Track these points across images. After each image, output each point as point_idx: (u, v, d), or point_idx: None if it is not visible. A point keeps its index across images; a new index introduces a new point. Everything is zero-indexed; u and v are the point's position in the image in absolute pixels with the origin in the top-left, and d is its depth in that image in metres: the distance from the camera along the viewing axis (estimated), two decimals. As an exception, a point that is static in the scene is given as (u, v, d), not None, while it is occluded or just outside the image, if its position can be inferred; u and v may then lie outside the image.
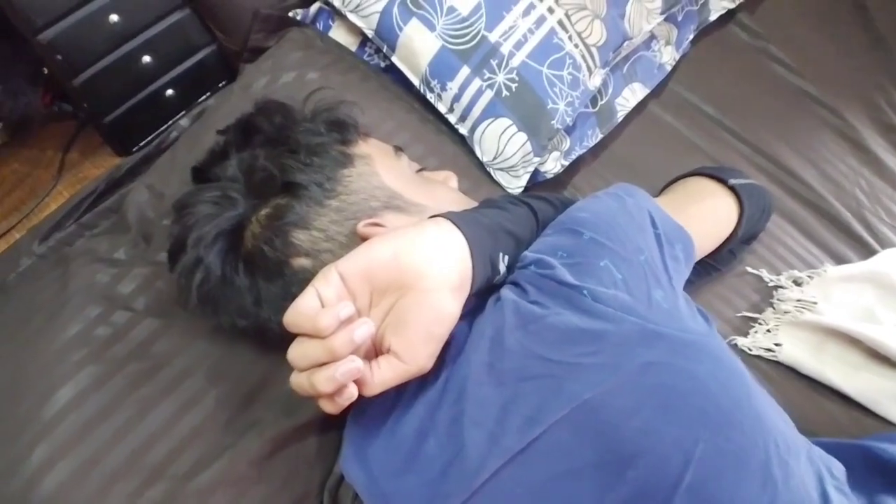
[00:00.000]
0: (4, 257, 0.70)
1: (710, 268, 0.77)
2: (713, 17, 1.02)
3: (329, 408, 0.42)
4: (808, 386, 0.76)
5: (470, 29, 0.72)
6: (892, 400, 0.75)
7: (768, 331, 0.78)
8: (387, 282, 0.42)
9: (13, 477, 0.48)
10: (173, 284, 0.53)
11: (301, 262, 0.50)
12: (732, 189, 0.68)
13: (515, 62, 0.72)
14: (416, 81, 0.75)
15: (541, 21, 0.73)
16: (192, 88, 0.88)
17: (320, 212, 0.50)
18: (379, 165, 0.55)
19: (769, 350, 0.76)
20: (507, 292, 0.48)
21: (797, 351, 0.76)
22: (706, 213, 0.66)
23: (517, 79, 0.72)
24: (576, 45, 0.75)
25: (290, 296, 0.42)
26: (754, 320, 0.79)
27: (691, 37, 0.99)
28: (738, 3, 1.05)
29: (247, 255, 0.50)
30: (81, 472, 0.49)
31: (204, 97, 0.90)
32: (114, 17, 0.77)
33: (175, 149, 0.72)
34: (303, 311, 0.40)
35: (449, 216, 0.46)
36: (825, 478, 0.50)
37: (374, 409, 0.50)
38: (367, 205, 0.52)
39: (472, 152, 0.75)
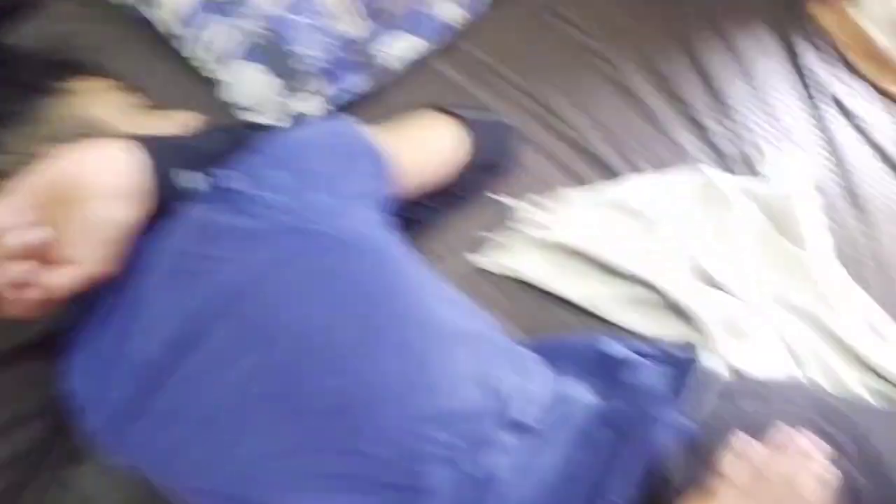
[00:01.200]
0: None
1: (458, 197, 0.87)
2: (503, -21, 1.12)
3: (15, 307, 0.50)
4: (540, 296, 0.87)
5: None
6: (615, 303, 0.87)
7: (509, 252, 0.89)
8: (58, 195, 0.49)
9: None
10: None
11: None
12: (464, 120, 0.77)
13: (266, 9, 0.80)
14: (169, 28, 0.82)
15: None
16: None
17: (16, 137, 0.57)
18: (90, 99, 0.63)
19: (502, 266, 0.87)
20: (193, 204, 0.56)
21: (527, 264, 0.87)
22: (427, 138, 0.76)
23: (267, 25, 0.80)
24: (329, -3, 0.84)
25: None
26: (492, 240, 0.90)
27: (484, -1, 1.09)
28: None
29: None
30: None
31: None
32: None
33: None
34: None
35: (133, 137, 0.54)
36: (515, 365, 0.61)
37: (87, 327, 0.58)
38: (62, 131, 0.59)
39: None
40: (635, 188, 0.98)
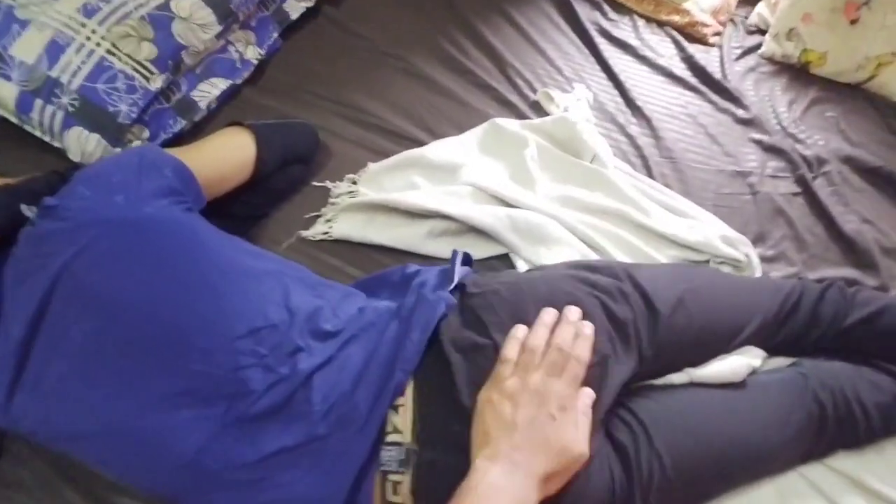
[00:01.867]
0: None
1: (277, 193, 1.05)
2: (295, 15, 1.34)
3: None
4: (364, 248, 1.04)
5: (36, 73, 1.00)
6: (418, 239, 1.05)
7: (328, 220, 1.06)
8: None
9: None
10: None
11: None
12: (251, 129, 0.97)
13: (75, 86, 1.00)
14: (12, 118, 1.02)
15: (90, 53, 1.02)
16: None
17: None
18: None
19: (326, 233, 1.04)
20: (28, 226, 0.74)
21: (347, 227, 1.05)
22: (216, 147, 0.95)
23: (78, 97, 1.00)
24: (126, 63, 1.04)
25: None
26: (320, 216, 1.08)
27: (276, 34, 1.30)
28: (313, 2, 1.37)
29: None
30: None
31: None
32: None
33: None
34: None
35: None
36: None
37: None
38: None
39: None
40: (433, 147, 1.17)
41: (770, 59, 1.46)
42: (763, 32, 1.50)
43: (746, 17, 1.56)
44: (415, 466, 0.69)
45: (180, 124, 1.11)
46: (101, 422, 0.71)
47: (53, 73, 1.00)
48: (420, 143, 1.20)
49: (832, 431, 0.83)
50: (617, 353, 0.75)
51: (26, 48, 1.00)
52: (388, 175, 1.12)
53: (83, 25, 1.03)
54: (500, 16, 1.48)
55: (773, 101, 1.36)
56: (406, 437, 0.70)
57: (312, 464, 0.70)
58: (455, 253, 0.87)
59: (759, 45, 1.48)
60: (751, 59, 1.46)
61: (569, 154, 1.20)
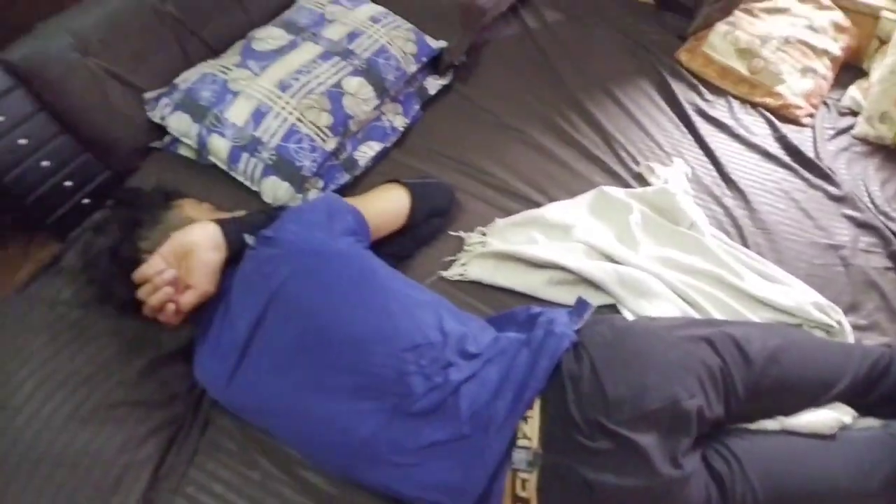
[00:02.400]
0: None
1: (421, 239, 1.26)
2: (433, 91, 1.59)
3: (162, 317, 0.90)
4: (491, 290, 1.23)
5: (244, 133, 1.27)
6: (543, 286, 1.22)
7: (463, 264, 1.26)
8: (179, 252, 0.92)
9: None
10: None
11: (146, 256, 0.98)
12: (406, 186, 1.19)
13: (273, 144, 1.26)
14: (223, 167, 1.29)
15: (284, 120, 1.28)
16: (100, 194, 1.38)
17: (151, 231, 1.01)
18: (187, 208, 1.07)
19: (461, 275, 1.24)
20: (250, 250, 0.98)
21: (479, 271, 1.24)
22: (381, 199, 1.17)
23: (275, 153, 1.26)
24: (310, 128, 1.30)
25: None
26: (455, 260, 1.27)
27: (418, 107, 1.55)
28: (449, 79, 1.62)
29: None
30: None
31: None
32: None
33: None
34: (143, 269, 0.91)
35: (213, 221, 0.97)
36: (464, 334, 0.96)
37: (202, 332, 0.98)
38: (174, 224, 1.01)
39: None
40: (549, 209, 1.36)
41: (863, 140, 1.58)
42: (855, 114, 1.62)
43: (839, 100, 1.69)
44: (540, 467, 0.85)
45: (345, 178, 1.35)
46: (296, 405, 0.92)
47: (257, 134, 1.26)
48: (537, 204, 1.39)
49: None
50: (707, 394, 0.88)
51: (237, 114, 1.28)
52: (512, 230, 1.32)
53: (279, 98, 1.30)
54: (606, 95, 1.68)
55: (865, 179, 1.47)
56: (533, 443, 0.86)
57: (457, 457, 0.87)
58: (583, 302, 1.04)
59: (851, 126, 1.60)
60: (843, 140, 1.59)
61: (668, 221, 1.36)
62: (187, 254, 0.92)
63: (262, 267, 0.96)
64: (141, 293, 0.91)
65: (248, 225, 1.02)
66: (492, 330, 1.04)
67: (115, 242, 0.98)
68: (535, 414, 0.88)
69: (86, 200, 1.34)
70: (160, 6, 1.34)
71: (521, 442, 0.87)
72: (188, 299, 0.91)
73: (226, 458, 0.99)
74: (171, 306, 0.90)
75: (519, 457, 0.86)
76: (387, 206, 1.16)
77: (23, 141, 1.20)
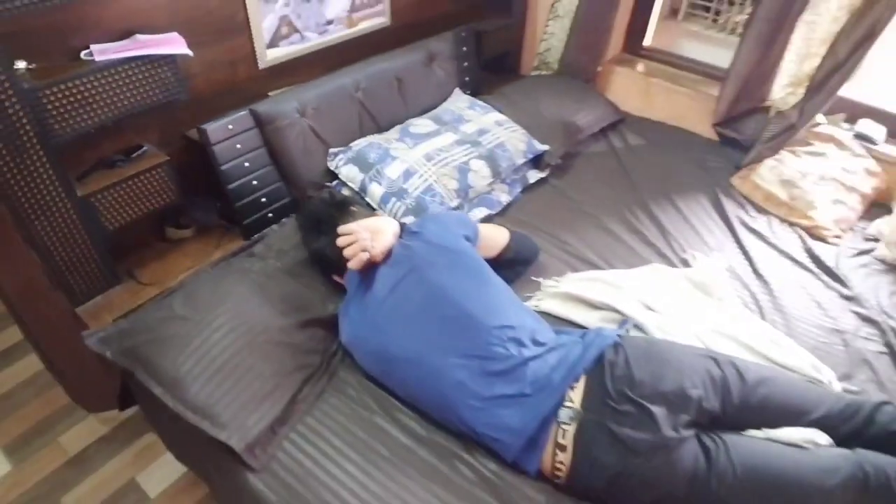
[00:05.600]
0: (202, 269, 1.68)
1: (513, 275, 1.71)
2: (532, 181, 2.10)
3: (354, 262, 1.40)
4: (557, 319, 1.63)
5: (396, 183, 1.81)
6: (598, 321, 1.62)
7: (539, 299, 1.69)
8: (373, 228, 1.43)
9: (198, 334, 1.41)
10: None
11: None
12: (510, 231, 1.67)
13: (414, 194, 1.79)
14: (374, 205, 1.82)
15: (425, 180, 1.82)
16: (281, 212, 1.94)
17: (348, 218, 1.52)
18: (361, 213, 1.58)
19: (536, 306, 1.66)
20: (403, 240, 1.47)
21: (550, 305, 1.66)
22: (491, 229, 1.64)
23: (415, 201, 1.78)
24: (442, 189, 1.82)
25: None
26: (532, 297, 1.70)
27: (520, 190, 2.06)
28: (546, 174, 2.13)
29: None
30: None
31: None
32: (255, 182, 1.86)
33: (270, 232, 1.77)
34: (350, 226, 1.42)
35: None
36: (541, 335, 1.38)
37: (354, 293, 1.46)
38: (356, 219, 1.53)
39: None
40: (609, 272, 1.78)
41: (882, 261, 1.90)
42: (878, 241, 1.96)
43: (865, 229, 2.04)
44: (578, 422, 1.21)
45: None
46: (410, 352, 1.32)
47: (405, 186, 1.80)
48: (601, 269, 1.81)
49: (873, 494, 1.18)
50: (707, 390, 1.23)
51: (393, 171, 1.83)
52: (578, 281, 1.74)
53: (424, 165, 1.84)
54: (668, 202, 2.13)
55: (877, 289, 1.78)
56: (576, 404, 1.23)
57: (517, 407, 1.25)
58: (626, 319, 1.44)
59: (873, 249, 1.93)
60: (864, 258, 1.91)
61: (703, 294, 1.73)
62: (377, 230, 1.42)
63: (406, 250, 1.43)
64: (342, 241, 1.40)
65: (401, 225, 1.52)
66: (552, 330, 1.44)
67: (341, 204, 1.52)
68: (579, 386, 1.25)
69: (270, 214, 1.90)
70: (354, 94, 1.96)
71: (567, 403, 1.24)
72: (375, 253, 1.38)
73: (346, 398, 1.39)
74: (364, 254, 1.36)
75: (565, 413, 1.23)
76: (493, 234, 1.63)
77: (247, 164, 1.78)
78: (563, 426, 1.21)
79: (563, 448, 1.20)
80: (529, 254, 1.74)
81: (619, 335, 1.35)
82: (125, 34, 1.42)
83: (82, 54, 1.32)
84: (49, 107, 1.23)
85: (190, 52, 1.43)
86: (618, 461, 1.15)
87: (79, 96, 1.26)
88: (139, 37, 1.42)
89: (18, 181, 1.24)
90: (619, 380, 1.23)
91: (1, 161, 1.20)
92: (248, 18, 1.75)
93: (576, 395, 1.23)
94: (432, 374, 1.30)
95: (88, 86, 1.27)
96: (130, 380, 1.39)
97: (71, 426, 1.94)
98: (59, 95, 1.23)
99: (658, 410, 1.18)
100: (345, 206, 1.55)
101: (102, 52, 1.31)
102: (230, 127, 1.67)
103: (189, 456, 1.54)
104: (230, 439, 1.19)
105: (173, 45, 1.39)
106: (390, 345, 1.35)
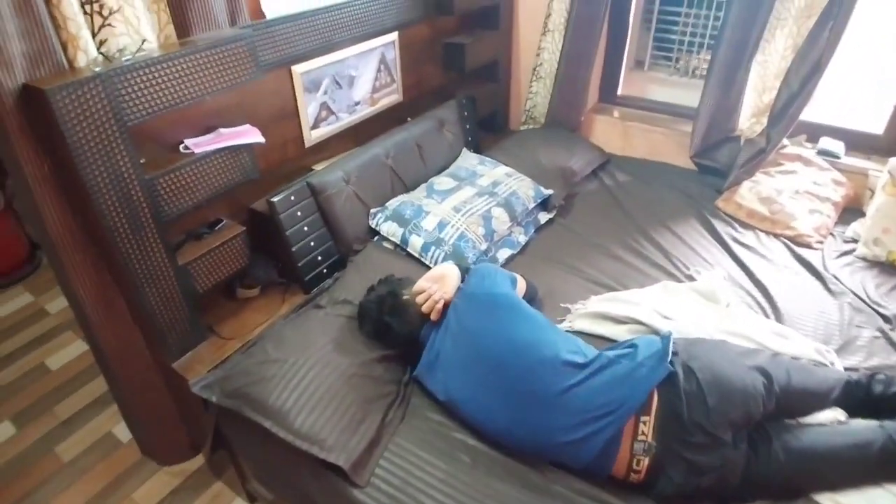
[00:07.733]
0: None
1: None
2: (543, 221, 2.38)
3: (434, 314, 1.63)
4: (593, 338, 1.86)
5: (433, 234, 2.06)
6: (624, 334, 1.85)
7: (571, 321, 1.92)
8: (437, 277, 1.69)
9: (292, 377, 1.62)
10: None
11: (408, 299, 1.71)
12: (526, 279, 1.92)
13: (450, 241, 2.04)
14: (415, 254, 2.07)
15: (457, 229, 2.07)
16: (332, 268, 2.16)
17: (405, 288, 1.75)
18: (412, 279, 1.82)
19: (570, 326, 1.89)
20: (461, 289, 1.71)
21: (581, 324, 1.89)
22: (523, 282, 1.89)
23: (451, 248, 2.03)
24: (473, 235, 2.08)
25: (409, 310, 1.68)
26: (564, 319, 1.94)
27: (533, 230, 2.33)
28: (553, 214, 2.41)
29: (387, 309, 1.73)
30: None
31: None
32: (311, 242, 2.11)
33: (330, 289, 1.99)
34: (420, 285, 1.67)
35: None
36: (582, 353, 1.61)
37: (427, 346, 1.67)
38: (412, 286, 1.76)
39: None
40: (625, 292, 2.03)
41: (863, 259, 2.17)
42: (856, 242, 2.24)
43: (843, 232, 2.33)
44: (651, 455, 1.35)
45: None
46: (470, 395, 1.53)
47: (441, 236, 2.05)
48: (614, 290, 2.06)
49: None
50: (764, 409, 1.39)
51: (428, 223, 2.08)
52: (601, 302, 1.98)
53: (454, 216, 2.10)
54: (664, 227, 2.41)
55: (864, 283, 2.04)
56: (648, 437, 1.36)
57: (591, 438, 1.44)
58: (668, 336, 1.67)
59: (853, 250, 2.21)
60: (847, 258, 2.18)
61: (711, 302, 1.98)
62: (439, 278, 1.66)
63: (464, 303, 1.66)
64: (420, 299, 1.63)
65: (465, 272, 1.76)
66: (592, 348, 1.66)
67: (391, 294, 1.72)
68: (652, 411, 1.38)
69: (324, 270, 2.12)
70: (385, 160, 2.24)
71: (640, 437, 1.35)
72: (448, 296, 1.62)
73: (423, 420, 1.59)
74: (439, 304, 1.60)
75: (638, 446, 1.32)
76: (524, 286, 1.88)
77: (305, 228, 2.02)
78: (637, 457, 1.34)
79: (637, 472, 1.36)
80: (535, 293, 1.97)
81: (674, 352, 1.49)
82: (209, 129, 1.68)
83: (181, 148, 1.57)
84: (161, 192, 1.47)
85: (264, 140, 1.70)
86: (686, 480, 1.31)
87: (182, 182, 1.51)
88: (222, 130, 1.68)
89: (137, 255, 1.47)
90: (694, 411, 1.32)
91: (125, 238, 1.43)
92: (297, 107, 2.03)
93: (647, 428, 1.35)
94: (486, 411, 1.49)
95: (189, 173, 1.52)
96: (224, 422, 1.57)
97: (143, 482, 2.10)
98: (168, 182, 1.48)
99: (727, 437, 1.31)
100: (391, 286, 1.75)
101: (196, 145, 1.57)
102: (292, 198, 1.92)
103: (286, 485, 1.69)
104: (338, 460, 1.38)
105: (251, 135, 1.66)
106: (450, 390, 1.55)
